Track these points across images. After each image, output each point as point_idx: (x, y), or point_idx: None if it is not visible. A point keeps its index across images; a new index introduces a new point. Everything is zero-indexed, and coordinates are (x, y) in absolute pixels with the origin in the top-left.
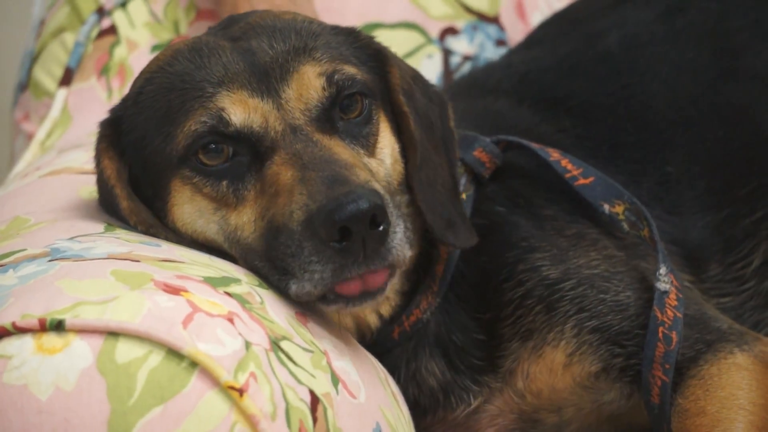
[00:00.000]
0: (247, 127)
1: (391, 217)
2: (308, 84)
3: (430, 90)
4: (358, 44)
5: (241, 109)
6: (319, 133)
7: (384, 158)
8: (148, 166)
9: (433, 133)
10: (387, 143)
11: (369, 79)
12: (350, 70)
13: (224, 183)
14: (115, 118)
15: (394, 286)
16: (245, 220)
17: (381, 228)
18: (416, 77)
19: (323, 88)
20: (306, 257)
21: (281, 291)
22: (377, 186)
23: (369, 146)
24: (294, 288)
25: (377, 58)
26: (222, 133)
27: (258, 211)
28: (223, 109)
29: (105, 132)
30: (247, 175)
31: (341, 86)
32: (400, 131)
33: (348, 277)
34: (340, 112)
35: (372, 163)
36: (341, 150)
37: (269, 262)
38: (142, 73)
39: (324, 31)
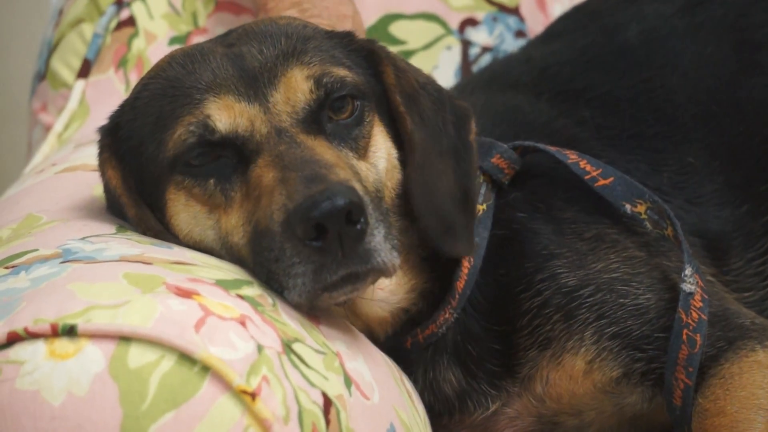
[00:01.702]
0: (232, 132)
1: (370, 218)
2: (296, 87)
3: (447, 101)
4: (353, 47)
5: (226, 115)
6: (304, 135)
7: (377, 162)
8: (144, 174)
9: (440, 141)
10: (381, 147)
11: (362, 81)
12: (340, 72)
13: (212, 181)
14: (114, 125)
15: (395, 301)
16: (233, 223)
17: (358, 226)
18: (427, 84)
19: (311, 91)
20: (288, 259)
21: None
22: (356, 185)
23: (359, 148)
24: (288, 299)
25: (372, 60)
26: (209, 141)
27: (245, 215)
28: (209, 116)
29: (105, 141)
30: (234, 177)
31: (330, 89)
32: (401, 137)
33: (329, 281)
34: (331, 112)
35: (361, 165)
36: (324, 150)
37: (260, 272)
38: (141, 79)
39: (317, 35)
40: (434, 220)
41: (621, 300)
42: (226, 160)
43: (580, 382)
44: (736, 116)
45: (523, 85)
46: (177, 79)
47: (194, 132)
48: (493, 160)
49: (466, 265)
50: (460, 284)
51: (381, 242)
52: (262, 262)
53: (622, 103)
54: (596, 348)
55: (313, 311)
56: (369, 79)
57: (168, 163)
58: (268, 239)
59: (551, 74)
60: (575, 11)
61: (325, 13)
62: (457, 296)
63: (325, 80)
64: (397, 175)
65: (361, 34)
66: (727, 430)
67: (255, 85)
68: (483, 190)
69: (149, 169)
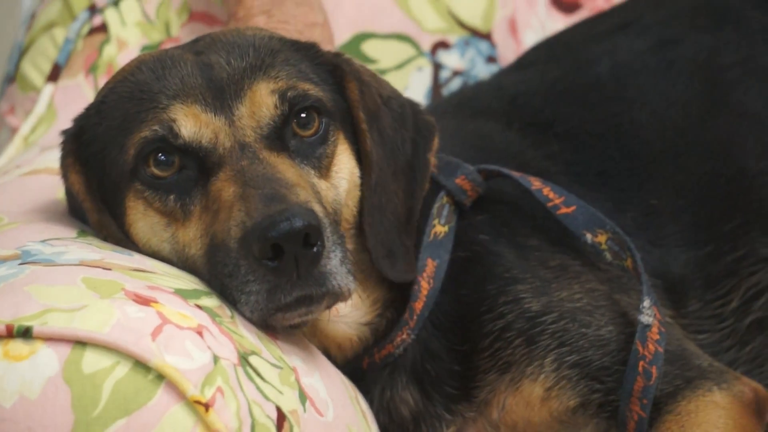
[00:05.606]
0: (196, 141)
1: (327, 241)
2: (260, 102)
3: (410, 116)
4: (319, 60)
5: (192, 123)
6: (267, 151)
7: (338, 183)
8: (106, 179)
9: (396, 159)
10: (345, 167)
11: (327, 97)
12: (305, 86)
13: (172, 197)
14: (78, 128)
15: (358, 318)
16: (191, 236)
17: (315, 249)
18: (391, 99)
19: (275, 106)
20: (243, 276)
21: None
22: (316, 207)
23: (322, 168)
24: (240, 312)
25: (337, 74)
26: (171, 144)
27: (203, 227)
28: (174, 121)
29: (69, 146)
30: (194, 190)
31: (293, 102)
32: (361, 155)
33: (283, 301)
34: (297, 128)
35: (321, 184)
36: (286, 168)
37: (215, 284)
38: (107, 82)
39: (284, 48)
40: (378, 242)
41: (583, 329)
42: (188, 172)
43: (537, 409)
44: (702, 155)
45: (493, 113)
46: (145, 83)
47: (157, 132)
48: (458, 180)
49: (425, 286)
50: (419, 305)
51: (337, 265)
52: (216, 275)
53: (591, 138)
54: (556, 375)
55: (266, 329)
56: (334, 95)
57: (129, 169)
58: (224, 254)
59: (521, 104)
60: (548, 42)
61: (293, 20)
62: (415, 317)
63: (289, 94)
64: (357, 192)
65: (328, 44)
66: None
67: (221, 96)
68: (445, 212)
69: (111, 175)
